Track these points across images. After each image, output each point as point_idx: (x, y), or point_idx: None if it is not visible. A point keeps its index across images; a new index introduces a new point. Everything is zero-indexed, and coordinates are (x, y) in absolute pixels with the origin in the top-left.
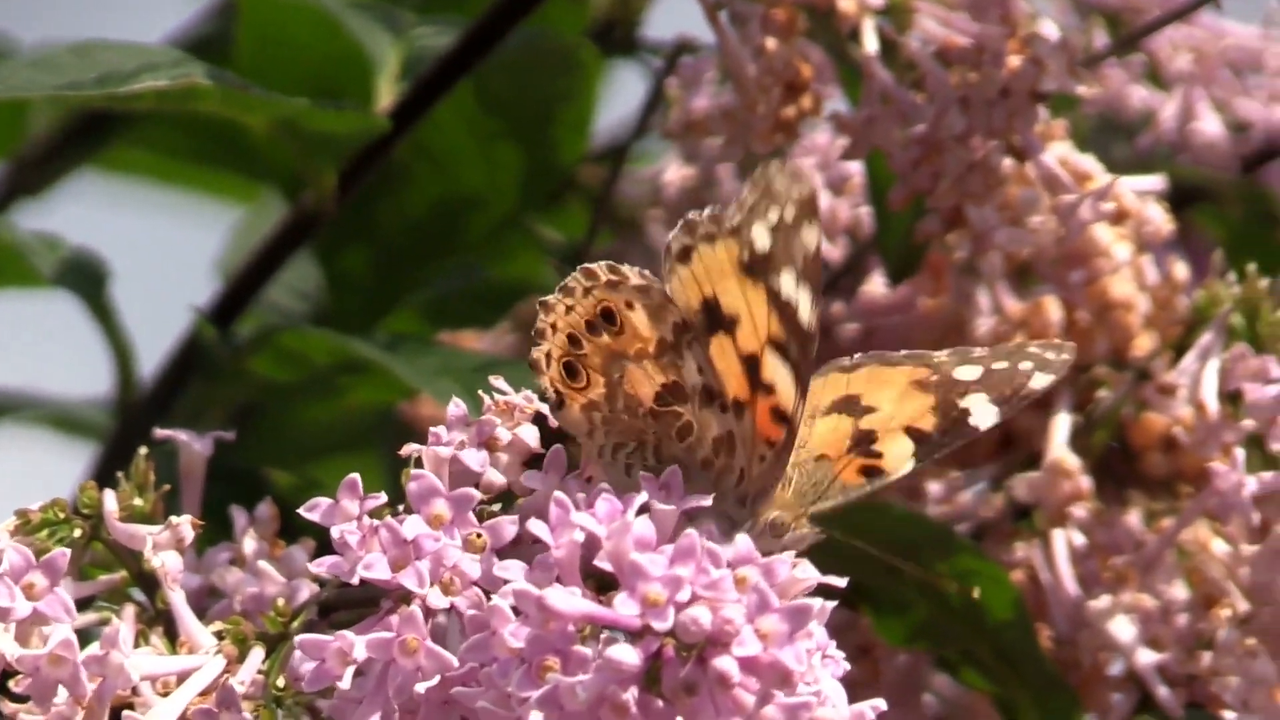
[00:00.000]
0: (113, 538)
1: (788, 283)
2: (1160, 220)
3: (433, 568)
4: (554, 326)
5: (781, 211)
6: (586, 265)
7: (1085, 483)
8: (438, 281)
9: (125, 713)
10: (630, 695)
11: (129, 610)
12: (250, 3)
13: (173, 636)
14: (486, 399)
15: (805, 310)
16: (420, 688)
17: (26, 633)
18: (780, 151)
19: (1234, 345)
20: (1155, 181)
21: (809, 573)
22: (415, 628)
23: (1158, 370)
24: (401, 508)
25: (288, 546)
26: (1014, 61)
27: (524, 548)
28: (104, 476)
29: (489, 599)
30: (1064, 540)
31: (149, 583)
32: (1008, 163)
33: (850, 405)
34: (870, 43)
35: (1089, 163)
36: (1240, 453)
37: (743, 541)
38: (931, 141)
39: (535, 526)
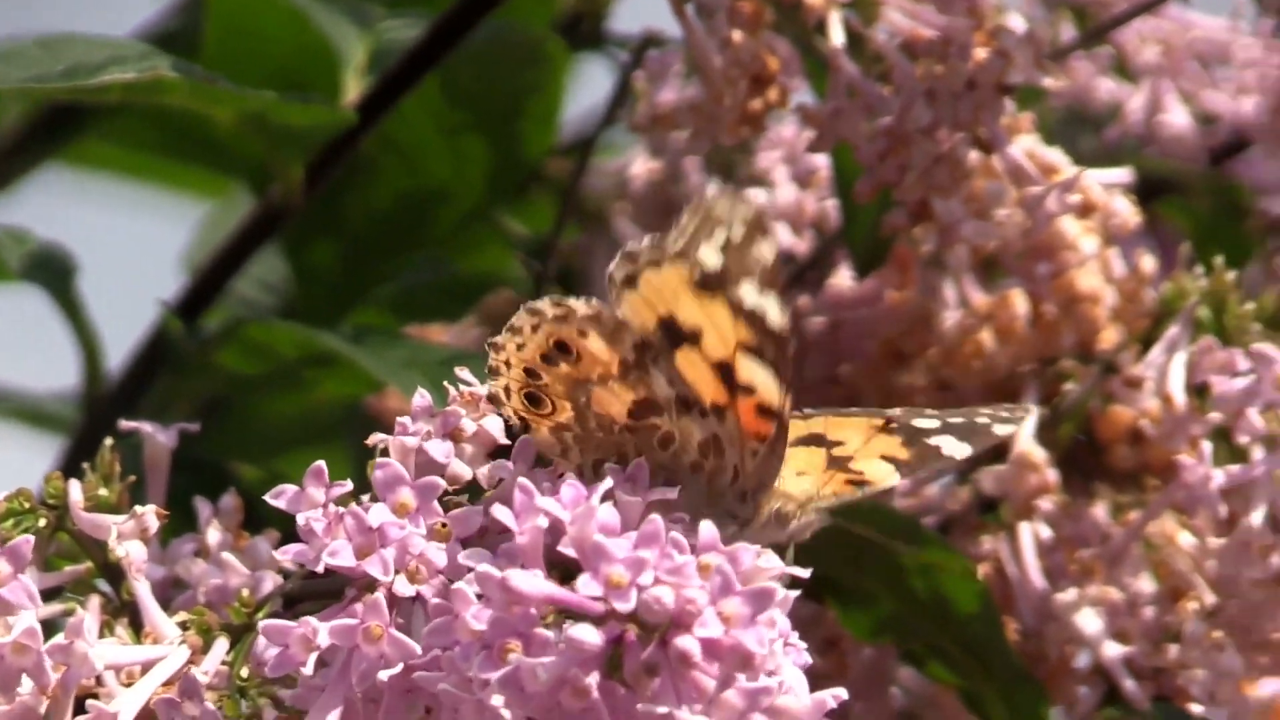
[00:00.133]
0: (78, 528)
1: (749, 292)
2: (1127, 213)
3: (398, 555)
4: (507, 364)
5: (729, 232)
6: (530, 304)
7: (1052, 476)
8: (405, 275)
9: (89, 702)
10: (592, 678)
11: (94, 600)
12: None
13: (137, 627)
14: (452, 390)
15: (774, 314)
16: (383, 675)
17: None
18: (746, 144)
19: (1201, 338)
20: (1122, 174)
21: (773, 562)
22: (379, 615)
23: (1125, 363)
24: (367, 497)
25: (252, 538)
26: (980, 54)
27: (490, 538)
28: (71, 470)
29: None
30: (1030, 533)
31: (114, 573)
32: (974, 155)
33: (817, 440)
34: (836, 35)
35: (1055, 155)
36: (1207, 446)
37: (706, 529)
38: (898, 134)
39: (499, 511)
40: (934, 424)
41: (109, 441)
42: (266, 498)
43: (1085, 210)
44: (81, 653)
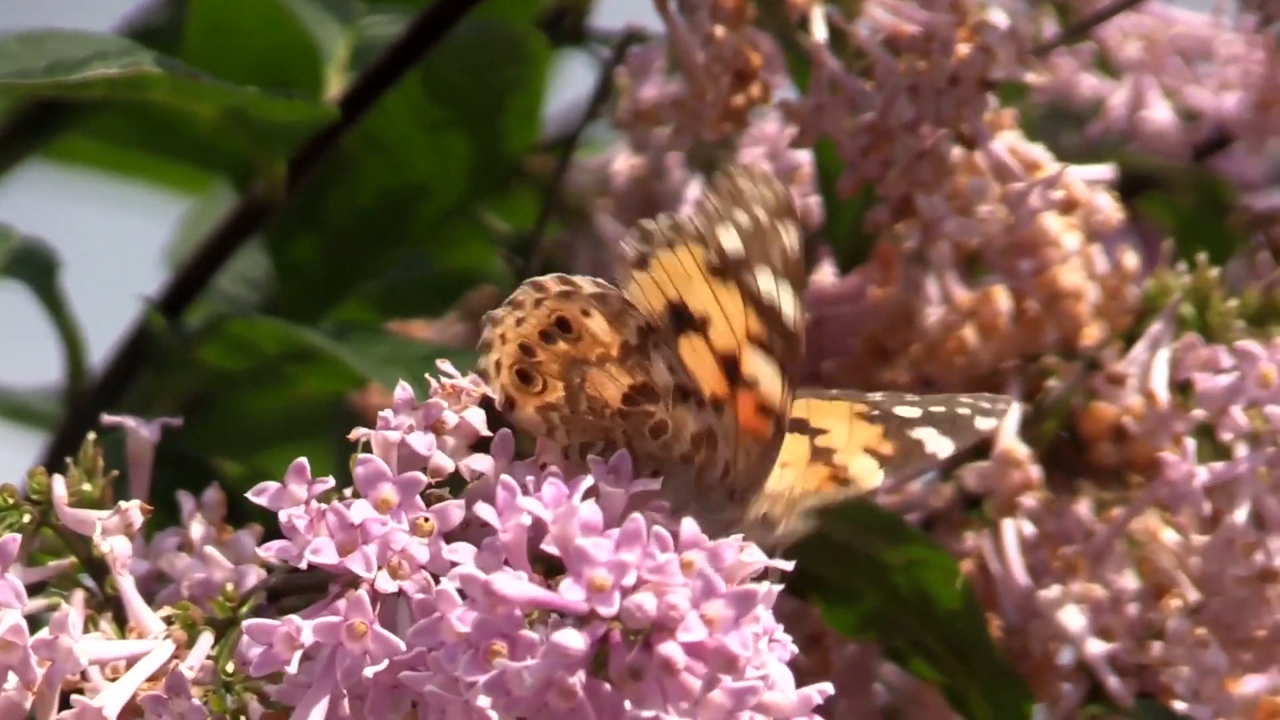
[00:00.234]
0: (62, 523)
1: (765, 281)
2: (1110, 209)
3: (380, 552)
4: (503, 338)
5: (751, 213)
6: (534, 279)
7: (1035, 472)
8: (387, 271)
9: (74, 697)
10: (577, 680)
11: (78, 595)
12: None
13: (122, 622)
14: (433, 382)
15: (789, 307)
16: (368, 672)
17: None
18: (729, 140)
19: (1184, 335)
20: (1105, 170)
21: (756, 556)
22: (362, 612)
23: (1108, 360)
24: (349, 492)
25: (236, 532)
26: (963, 49)
27: (472, 531)
28: (54, 466)
29: (437, 583)
30: (1014, 530)
31: (98, 568)
32: (957, 151)
33: (800, 426)
34: (819, 30)
35: (1038, 151)
36: (1191, 442)
37: (688, 525)
38: (880, 130)
39: (482, 510)
40: (916, 413)
41: (92, 436)
42: (249, 495)
43: (1068, 206)
44: (66, 648)
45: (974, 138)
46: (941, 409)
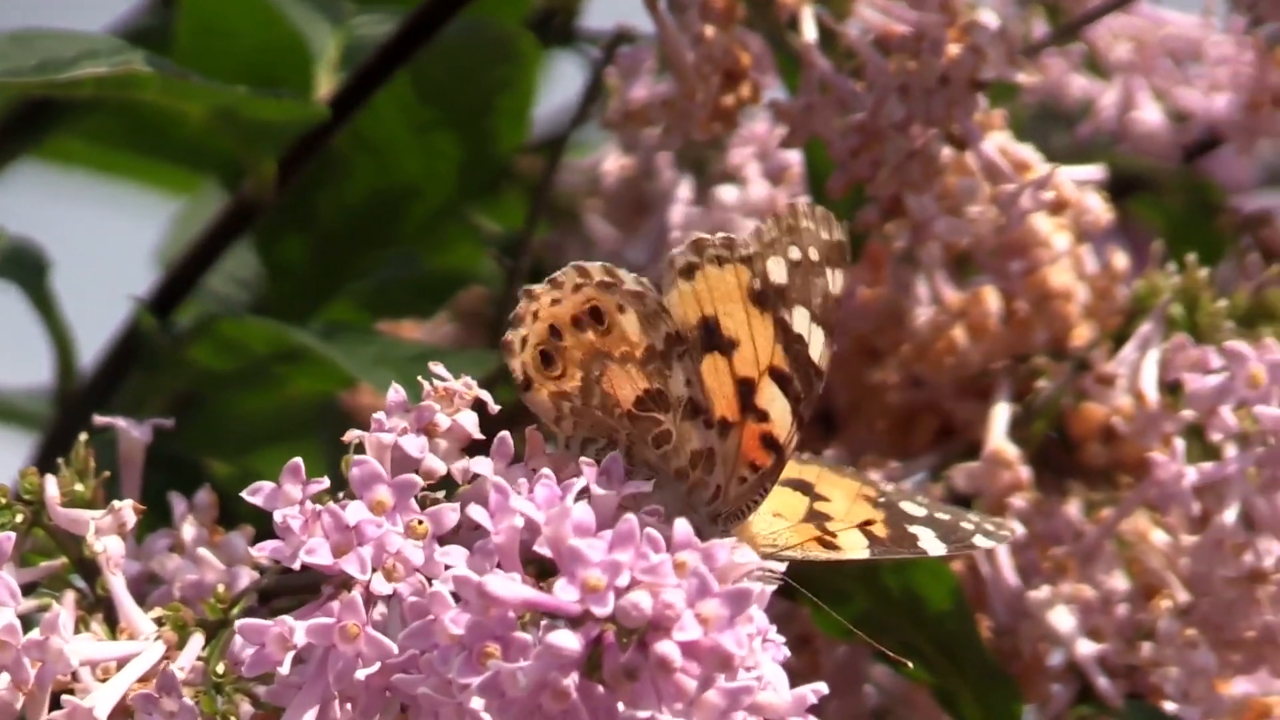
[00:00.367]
0: (54, 523)
1: (800, 319)
2: (1099, 210)
3: (375, 553)
4: (535, 314)
5: (804, 250)
6: (580, 263)
7: (1024, 473)
8: (376, 271)
9: (65, 698)
10: (571, 681)
11: (69, 596)
12: None
13: (113, 623)
14: (426, 385)
15: (817, 349)
16: (361, 674)
17: None
18: (719, 140)
19: (1174, 335)
20: (1094, 171)
21: (748, 557)
22: (355, 613)
23: (1097, 360)
24: (343, 494)
25: (227, 533)
26: (953, 50)
27: (466, 534)
28: (45, 466)
29: (431, 585)
30: None
31: (89, 569)
32: (947, 151)
33: (804, 487)
34: (809, 30)
35: (1028, 152)
36: (1180, 443)
37: (681, 526)
38: (870, 130)
39: (475, 512)
40: (920, 512)
41: (83, 437)
42: (243, 494)
43: (1058, 207)
44: (57, 648)
45: (964, 138)
46: (946, 518)
